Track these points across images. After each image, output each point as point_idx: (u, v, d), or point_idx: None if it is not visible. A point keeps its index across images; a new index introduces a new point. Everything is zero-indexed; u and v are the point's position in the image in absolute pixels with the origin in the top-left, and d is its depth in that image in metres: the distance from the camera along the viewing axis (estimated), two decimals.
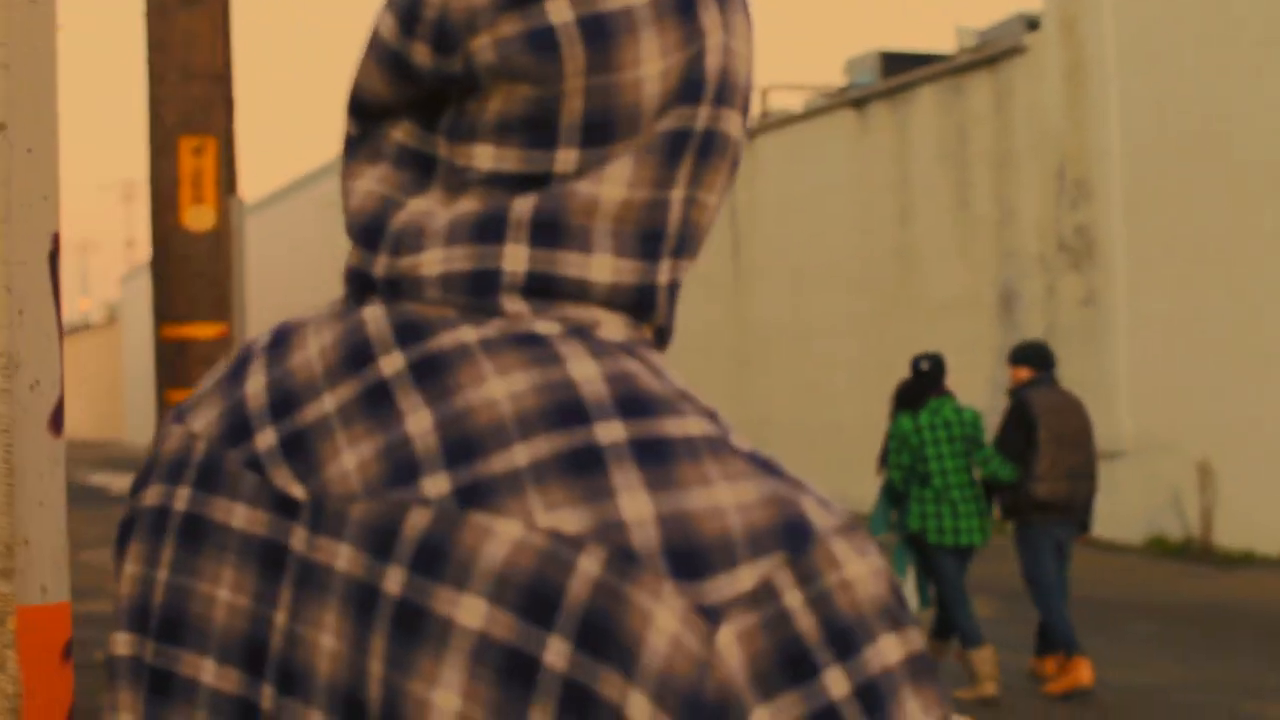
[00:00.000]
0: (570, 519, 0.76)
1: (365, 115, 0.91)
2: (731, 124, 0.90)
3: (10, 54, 1.85)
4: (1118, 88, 14.47)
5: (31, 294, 1.88)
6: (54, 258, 1.89)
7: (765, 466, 0.80)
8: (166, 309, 6.43)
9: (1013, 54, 15.70)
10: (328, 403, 0.85)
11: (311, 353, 0.88)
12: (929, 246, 16.69)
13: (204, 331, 6.29)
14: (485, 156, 0.86)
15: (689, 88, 0.87)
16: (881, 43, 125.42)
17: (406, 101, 0.89)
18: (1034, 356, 8.00)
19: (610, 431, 0.79)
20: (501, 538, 0.77)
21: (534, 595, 0.75)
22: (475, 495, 0.78)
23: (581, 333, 0.84)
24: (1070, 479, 7.75)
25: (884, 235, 17.25)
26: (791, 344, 18.51)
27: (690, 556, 0.75)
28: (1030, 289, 15.60)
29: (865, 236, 17.41)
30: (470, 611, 0.76)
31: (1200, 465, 13.77)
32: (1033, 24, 15.75)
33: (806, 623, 0.75)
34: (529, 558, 0.76)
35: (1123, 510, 14.16)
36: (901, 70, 17.57)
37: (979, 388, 15.24)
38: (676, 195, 0.87)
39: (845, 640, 0.75)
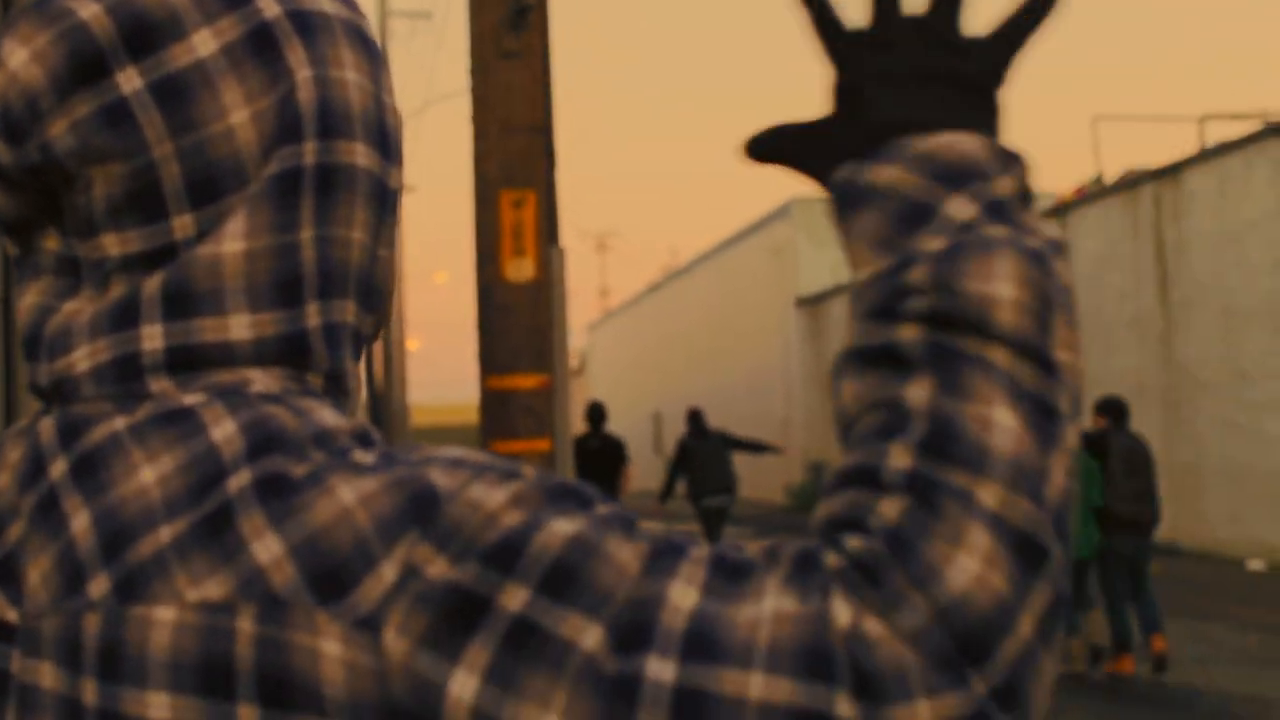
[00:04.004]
0: (214, 585, 0.75)
1: (16, 233, 0.91)
2: (353, 154, 0.88)
3: None
4: None
5: None
6: None
7: (388, 459, 0.78)
8: (490, 360, 6.51)
9: None
10: (23, 522, 0.85)
11: (4, 472, 0.88)
12: None
13: (526, 382, 6.32)
14: (112, 244, 0.85)
15: (287, 127, 0.85)
16: None
17: (33, 210, 0.89)
18: (1110, 409, 9.88)
19: (239, 480, 0.77)
20: (161, 625, 0.76)
21: (208, 672, 0.75)
22: (130, 589, 0.77)
23: (227, 393, 0.83)
24: (1136, 502, 9.68)
25: None
26: (1224, 387, 17.20)
27: (331, 576, 0.74)
28: None
29: None
30: (158, 706, 0.75)
31: None
32: None
33: (456, 573, 0.73)
34: (191, 638, 0.75)
35: None
36: None
37: None
38: (305, 236, 0.86)
39: (506, 554, 0.73)
